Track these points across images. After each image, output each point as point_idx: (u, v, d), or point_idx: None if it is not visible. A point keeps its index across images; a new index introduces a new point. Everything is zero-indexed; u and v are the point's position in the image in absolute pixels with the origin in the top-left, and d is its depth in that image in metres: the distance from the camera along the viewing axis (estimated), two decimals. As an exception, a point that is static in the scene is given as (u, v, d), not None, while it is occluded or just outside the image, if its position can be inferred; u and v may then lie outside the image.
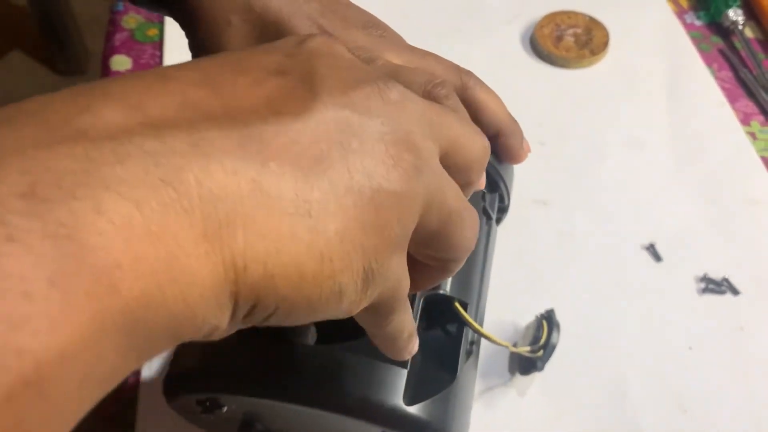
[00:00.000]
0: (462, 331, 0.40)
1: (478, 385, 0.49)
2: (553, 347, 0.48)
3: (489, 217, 0.45)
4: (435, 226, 0.25)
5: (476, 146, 0.28)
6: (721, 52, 0.72)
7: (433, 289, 0.40)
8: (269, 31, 0.40)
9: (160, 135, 0.19)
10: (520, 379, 0.50)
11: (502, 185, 0.46)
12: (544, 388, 0.50)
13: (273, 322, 0.22)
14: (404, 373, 0.36)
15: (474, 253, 0.42)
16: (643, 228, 0.58)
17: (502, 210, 0.49)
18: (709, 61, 0.70)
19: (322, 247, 0.21)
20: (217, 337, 0.21)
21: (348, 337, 0.36)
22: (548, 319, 0.49)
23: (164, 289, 0.18)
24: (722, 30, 0.73)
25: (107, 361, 0.17)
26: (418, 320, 0.39)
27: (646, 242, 0.57)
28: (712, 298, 0.55)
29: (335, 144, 0.22)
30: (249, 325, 0.22)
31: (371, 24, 0.44)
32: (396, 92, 0.24)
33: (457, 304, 0.40)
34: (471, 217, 0.27)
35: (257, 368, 0.36)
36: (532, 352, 0.48)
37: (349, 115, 0.22)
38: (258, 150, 0.20)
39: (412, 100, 0.25)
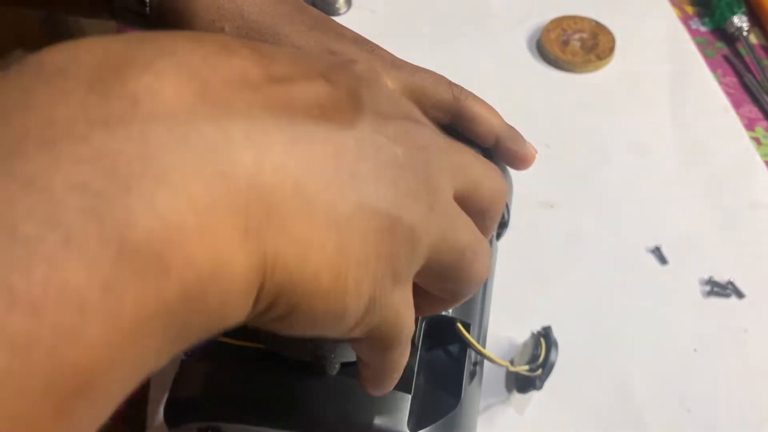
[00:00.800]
0: (465, 353, 0.40)
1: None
2: (552, 366, 0.47)
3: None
4: (448, 262, 0.25)
5: (495, 187, 0.28)
6: (726, 58, 0.72)
7: None
8: (264, 40, 0.40)
9: (218, 119, 0.18)
10: (518, 395, 0.50)
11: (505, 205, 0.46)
12: (547, 395, 0.51)
13: (274, 326, 0.22)
14: (408, 398, 0.36)
15: None
16: (649, 231, 0.59)
17: (503, 225, 0.49)
18: (713, 67, 0.71)
19: (342, 265, 0.21)
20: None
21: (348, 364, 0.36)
22: (546, 337, 0.48)
23: (206, 287, 0.18)
24: (727, 36, 0.73)
25: (148, 360, 0.18)
26: (420, 342, 0.38)
27: (652, 245, 0.58)
28: (717, 301, 0.55)
29: (369, 165, 0.22)
30: (252, 324, 0.22)
31: (361, 39, 0.45)
32: (426, 132, 0.25)
33: (459, 326, 0.40)
34: (483, 251, 0.27)
35: (259, 396, 0.35)
36: (531, 371, 0.47)
37: (384, 143, 0.23)
38: (306, 150, 0.20)
39: (438, 141, 0.25)
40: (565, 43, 0.72)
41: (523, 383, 0.49)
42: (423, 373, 0.39)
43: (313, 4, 0.76)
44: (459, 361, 0.40)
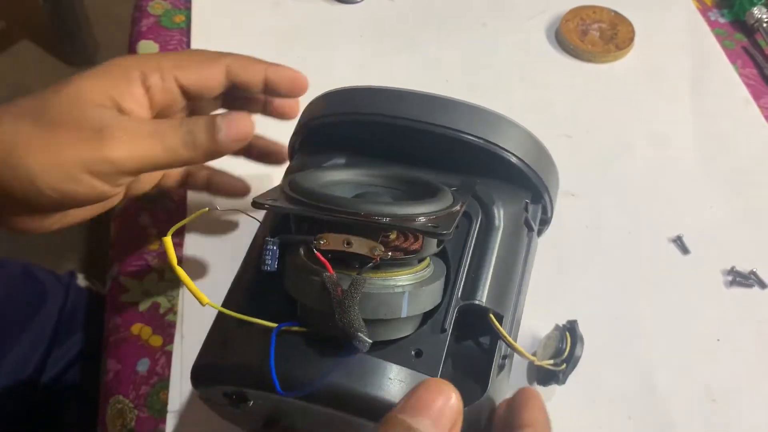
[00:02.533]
0: (495, 344, 0.39)
1: None
2: (577, 361, 0.46)
3: (530, 229, 0.44)
4: None
5: None
6: (745, 49, 0.72)
7: (468, 298, 0.39)
8: None
9: None
10: (540, 387, 0.49)
11: (546, 197, 0.45)
12: (572, 384, 0.50)
13: None
14: None
15: (512, 265, 0.42)
16: (671, 220, 0.59)
17: (544, 222, 0.48)
18: (733, 59, 0.71)
19: None
20: None
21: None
22: (571, 331, 0.48)
23: None
24: (746, 28, 0.73)
25: None
26: (450, 328, 0.38)
27: (674, 235, 0.58)
28: (739, 291, 0.55)
29: None
30: None
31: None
32: None
33: (491, 316, 0.39)
34: None
35: (295, 369, 0.35)
36: (555, 365, 0.46)
37: None
38: None
39: None
40: (584, 32, 0.71)
41: (546, 376, 0.48)
42: (452, 361, 0.39)
43: (331, -8, 0.75)
44: (489, 352, 0.39)
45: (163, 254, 0.56)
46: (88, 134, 0.38)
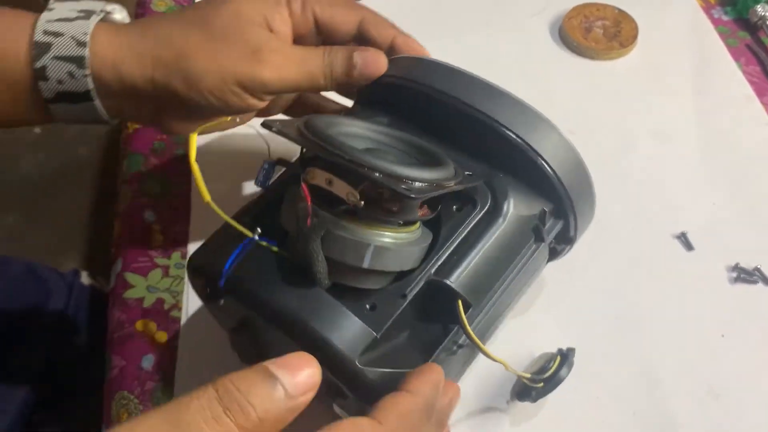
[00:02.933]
0: (453, 329, 0.40)
1: (473, 404, 0.49)
2: (557, 383, 0.45)
3: (539, 239, 0.44)
4: None
5: None
6: (749, 47, 0.72)
7: (440, 276, 0.40)
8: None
9: None
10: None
11: (571, 216, 0.45)
12: (575, 380, 0.50)
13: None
14: (372, 335, 0.38)
15: (501, 264, 0.42)
16: (675, 217, 0.59)
17: (567, 241, 0.47)
18: (736, 56, 0.71)
19: None
20: None
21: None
22: (564, 356, 0.47)
23: None
24: (750, 25, 0.73)
25: None
26: (411, 295, 0.39)
27: (678, 231, 0.58)
28: (743, 287, 0.55)
29: None
30: None
31: None
32: None
33: (459, 303, 0.40)
34: None
35: (253, 280, 0.39)
36: (532, 381, 0.45)
37: None
38: None
39: None
40: (588, 30, 0.71)
41: (522, 391, 0.47)
42: (410, 330, 0.41)
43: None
44: (443, 333, 0.40)
45: (167, 250, 0.56)
46: (246, 52, 0.42)
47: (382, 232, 0.38)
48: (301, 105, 0.53)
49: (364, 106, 0.48)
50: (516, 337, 0.52)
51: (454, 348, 0.41)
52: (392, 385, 0.36)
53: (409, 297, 0.39)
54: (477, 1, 0.75)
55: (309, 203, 0.37)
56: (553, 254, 0.48)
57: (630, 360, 0.52)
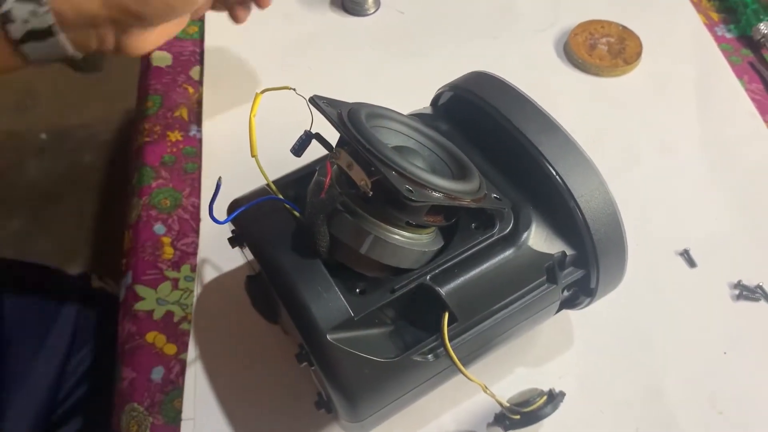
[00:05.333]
0: (433, 337, 0.41)
1: (452, 426, 0.49)
2: (535, 420, 0.45)
3: (552, 280, 0.44)
4: None
5: None
6: (752, 64, 0.73)
7: (433, 282, 0.41)
8: None
9: None
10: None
11: (594, 269, 0.45)
12: (578, 394, 0.51)
13: None
14: (349, 315, 0.40)
15: (501, 291, 0.42)
16: (678, 234, 0.59)
17: (587, 293, 0.47)
18: (739, 74, 0.72)
19: None
20: None
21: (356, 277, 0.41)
22: (551, 396, 0.46)
23: None
24: (753, 43, 0.74)
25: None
26: (395, 294, 0.41)
27: (681, 248, 0.58)
28: (746, 305, 0.56)
29: None
30: None
31: None
32: None
33: (446, 314, 0.41)
34: None
35: (266, 234, 0.42)
36: (510, 411, 0.45)
37: None
38: None
39: None
40: (593, 47, 0.72)
41: (499, 418, 0.47)
42: (392, 324, 0.42)
43: (342, 5, 0.76)
44: (421, 338, 0.41)
45: (176, 263, 0.57)
46: None
47: (387, 226, 0.40)
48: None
49: (436, 109, 0.52)
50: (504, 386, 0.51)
51: (430, 356, 0.41)
52: (356, 366, 0.39)
53: (398, 293, 0.41)
54: (485, 16, 0.76)
55: (328, 179, 0.40)
56: (571, 304, 0.48)
57: (633, 374, 0.52)
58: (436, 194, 0.38)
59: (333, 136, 0.43)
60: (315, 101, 0.41)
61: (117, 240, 0.61)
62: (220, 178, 0.40)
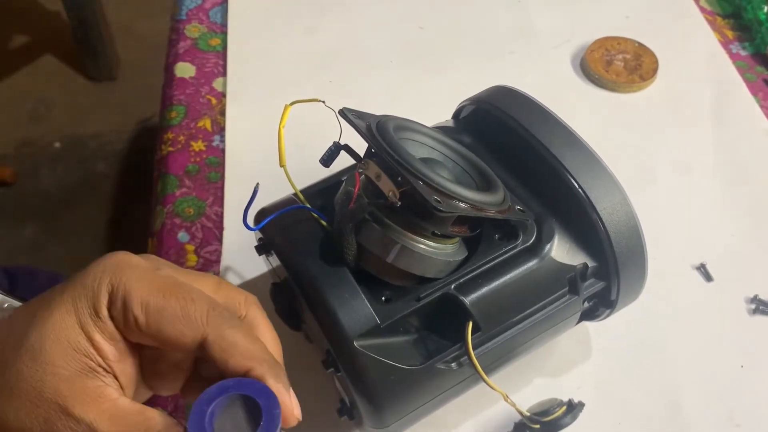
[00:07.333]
0: (457, 346, 0.42)
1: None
2: (555, 429, 0.46)
3: (574, 291, 0.44)
4: None
5: None
6: (766, 82, 0.74)
7: (458, 292, 0.42)
8: None
9: None
10: None
11: (615, 281, 0.45)
12: (596, 407, 0.52)
13: None
14: (375, 323, 0.40)
15: (524, 301, 0.43)
16: (694, 248, 0.60)
17: (607, 305, 0.47)
18: (754, 91, 0.73)
19: None
20: None
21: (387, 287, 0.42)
22: (570, 407, 0.47)
23: None
24: (767, 61, 0.75)
25: None
26: (422, 302, 0.42)
27: (697, 262, 0.59)
28: (762, 319, 0.56)
29: None
30: None
31: None
32: None
33: (469, 324, 0.42)
34: None
35: (294, 242, 0.43)
36: (530, 420, 0.46)
37: None
38: None
39: None
40: (609, 62, 0.73)
41: (518, 427, 0.48)
42: (417, 332, 0.43)
43: (362, 18, 0.77)
44: (445, 347, 0.42)
45: (200, 270, 0.57)
46: None
47: (414, 236, 0.40)
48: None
49: (458, 122, 0.52)
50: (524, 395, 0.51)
51: (453, 365, 0.42)
52: (382, 373, 0.40)
53: (423, 302, 0.42)
54: (501, 33, 0.77)
55: (356, 189, 0.41)
56: (591, 315, 0.49)
57: (651, 387, 0.53)
58: (463, 205, 0.39)
59: (360, 147, 0.44)
60: (344, 113, 0.42)
61: (130, 247, 0.61)
62: (257, 184, 0.41)
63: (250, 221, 0.43)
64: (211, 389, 0.29)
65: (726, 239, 0.61)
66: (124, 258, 0.33)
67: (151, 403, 0.51)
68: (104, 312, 0.32)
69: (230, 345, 0.31)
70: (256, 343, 0.32)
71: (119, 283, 0.32)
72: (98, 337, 0.31)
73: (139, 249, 0.62)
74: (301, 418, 0.32)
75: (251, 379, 0.30)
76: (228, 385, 0.29)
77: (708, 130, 0.69)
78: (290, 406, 0.32)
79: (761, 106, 0.71)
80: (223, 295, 0.35)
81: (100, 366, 0.32)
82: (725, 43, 0.77)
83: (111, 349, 0.32)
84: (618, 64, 0.73)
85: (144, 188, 0.69)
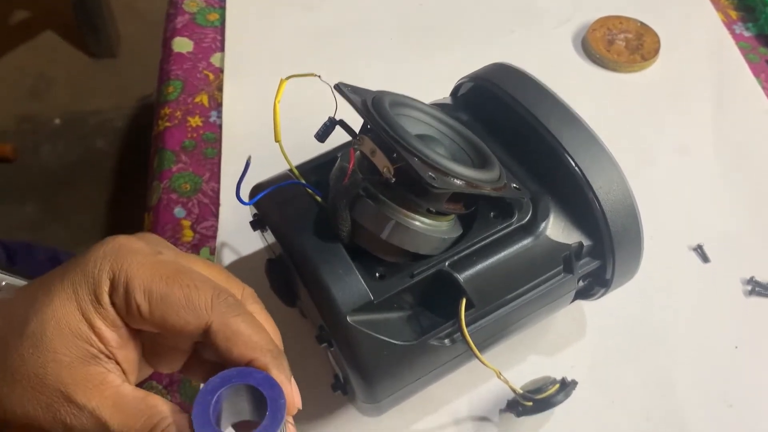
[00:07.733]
0: (451, 322, 0.42)
1: (466, 411, 0.50)
2: (547, 407, 0.46)
3: (568, 270, 0.44)
4: None
5: None
6: (769, 63, 0.73)
7: (452, 269, 0.42)
8: None
9: None
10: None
11: (609, 260, 0.45)
12: (590, 387, 0.52)
13: None
14: (369, 298, 0.40)
15: (518, 279, 0.43)
16: (692, 229, 0.60)
17: (602, 284, 0.48)
18: (756, 72, 0.72)
19: None
20: None
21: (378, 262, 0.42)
22: (563, 385, 0.47)
23: None
24: (770, 42, 0.74)
25: None
26: (415, 279, 0.42)
27: (694, 243, 0.59)
28: (758, 300, 0.56)
29: None
30: None
31: None
32: None
33: (463, 300, 0.41)
34: None
35: (289, 218, 0.43)
36: (523, 398, 0.46)
37: None
38: None
39: None
40: (611, 42, 0.73)
41: (511, 404, 0.48)
42: (410, 309, 0.43)
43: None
44: (438, 323, 0.42)
45: (196, 246, 0.58)
46: None
47: (408, 213, 0.40)
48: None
49: (456, 100, 0.52)
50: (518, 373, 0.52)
51: (446, 341, 0.42)
52: (375, 348, 0.40)
53: (417, 278, 0.42)
54: (503, 11, 0.77)
55: (351, 165, 0.40)
56: (586, 294, 0.49)
57: (645, 366, 0.53)
58: (458, 182, 0.39)
59: (356, 123, 0.43)
60: (340, 88, 0.42)
61: (130, 225, 0.62)
62: (249, 157, 0.40)
63: (244, 196, 0.43)
64: (214, 379, 0.29)
65: (724, 220, 0.61)
66: (125, 243, 0.32)
67: (147, 378, 0.51)
68: (105, 299, 0.31)
69: (234, 334, 0.31)
70: (261, 333, 0.32)
71: (120, 269, 0.31)
72: (100, 324, 0.31)
73: (138, 226, 0.62)
74: (301, 407, 0.32)
75: (255, 369, 0.30)
76: (232, 375, 0.29)
77: (709, 111, 0.69)
78: (292, 396, 0.32)
79: (763, 88, 0.71)
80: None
81: (102, 352, 0.31)
82: (728, 24, 0.76)
83: (113, 335, 0.32)
84: (620, 44, 0.73)
85: (144, 166, 0.69)
